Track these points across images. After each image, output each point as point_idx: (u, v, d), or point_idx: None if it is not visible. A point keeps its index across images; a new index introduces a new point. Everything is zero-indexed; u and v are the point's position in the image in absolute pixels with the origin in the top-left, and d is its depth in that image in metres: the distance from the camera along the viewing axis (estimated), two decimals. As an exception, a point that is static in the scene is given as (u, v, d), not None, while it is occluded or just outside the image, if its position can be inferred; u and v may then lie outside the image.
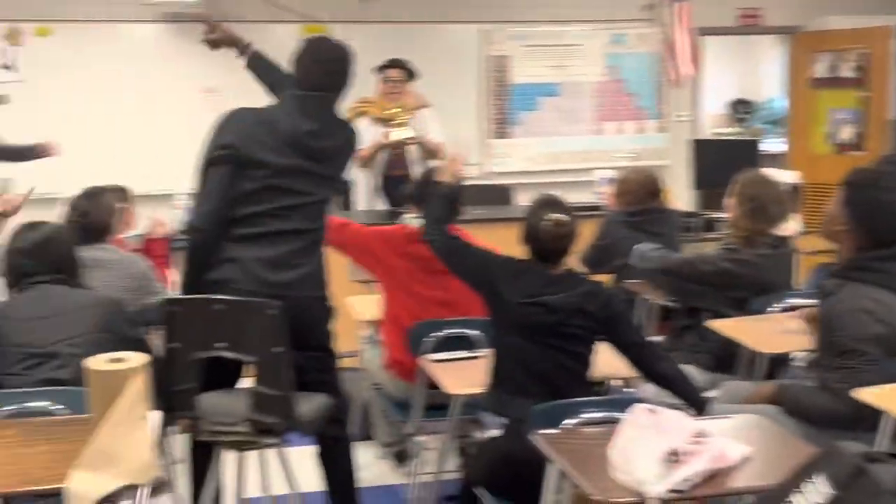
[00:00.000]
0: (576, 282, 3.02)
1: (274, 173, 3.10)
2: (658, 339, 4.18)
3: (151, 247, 5.45)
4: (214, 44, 3.66)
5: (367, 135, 5.99)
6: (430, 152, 6.14)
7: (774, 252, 3.99)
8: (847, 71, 8.17)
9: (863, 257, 2.96)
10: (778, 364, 3.71)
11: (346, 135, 3.31)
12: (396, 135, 6.02)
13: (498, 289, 3.00)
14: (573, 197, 6.80)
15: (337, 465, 3.31)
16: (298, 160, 3.13)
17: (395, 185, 5.74)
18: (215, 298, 2.90)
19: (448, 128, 6.58)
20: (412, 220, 4.38)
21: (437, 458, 3.59)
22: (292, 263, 3.05)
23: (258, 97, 6.35)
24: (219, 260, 3.07)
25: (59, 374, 2.88)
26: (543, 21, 7.82)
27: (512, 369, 2.97)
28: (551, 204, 3.06)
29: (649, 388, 3.60)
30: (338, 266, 5.17)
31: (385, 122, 6.04)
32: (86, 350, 2.84)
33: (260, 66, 3.60)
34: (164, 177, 6.26)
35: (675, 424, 2.35)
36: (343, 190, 3.45)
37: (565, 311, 2.93)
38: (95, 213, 3.78)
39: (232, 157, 3.09)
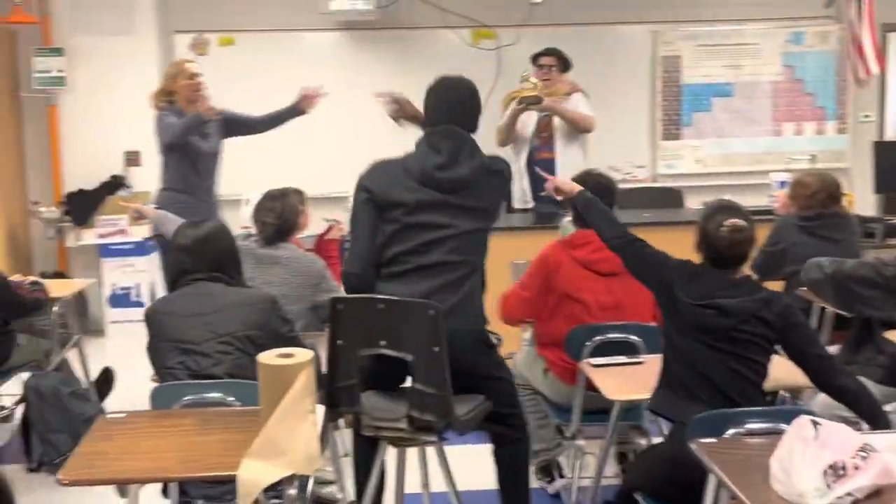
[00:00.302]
0: (753, 287, 2.95)
1: (408, 211, 3.17)
2: (833, 349, 4.02)
3: (325, 247, 5.64)
4: (398, 118, 3.74)
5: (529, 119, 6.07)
6: (573, 122, 6.11)
7: None
8: None
9: None
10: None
11: (481, 162, 3.25)
12: (526, 100, 5.99)
13: (673, 290, 2.96)
14: (746, 200, 6.62)
15: (507, 464, 3.34)
16: (431, 194, 3.18)
17: (546, 169, 5.67)
18: (378, 298, 3.00)
19: (619, 129, 6.57)
20: (569, 224, 4.39)
21: (596, 463, 3.57)
22: (435, 298, 3.02)
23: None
24: None
25: (214, 370, 3.00)
26: (717, 20, 7.64)
27: (682, 372, 2.92)
28: (728, 209, 3.00)
29: (819, 400, 3.49)
30: (500, 267, 5.28)
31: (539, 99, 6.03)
32: (239, 348, 3.00)
33: None
34: (339, 179, 6.46)
35: (839, 437, 2.26)
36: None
37: (740, 315, 2.86)
38: (282, 214, 3.96)
39: (370, 201, 3.21)
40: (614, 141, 6.92)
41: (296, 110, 5.55)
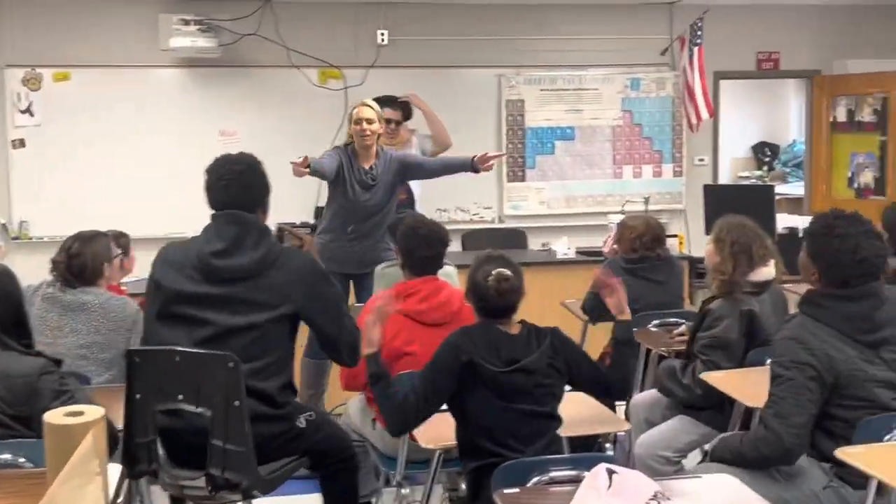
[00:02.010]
0: (536, 336, 2.98)
1: (182, 300, 3.04)
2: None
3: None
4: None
5: None
6: (438, 126, 6.36)
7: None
8: (867, 115, 8.10)
9: (815, 293, 3.04)
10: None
11: (267, 252, 3.09)
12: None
13: (474, 366, 2.87)
14: (588, 242, 6.92)
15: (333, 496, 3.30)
16: (207, 286, 3.04)
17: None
18: (176, 350, 2.90)
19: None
20: (385, 268, 4.38)
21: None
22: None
23: (272, 141, 6.48)
24: None
25: None
26: (559, 65, 7.85)
27: (488, 432, 2.90)
28: (495, 259, 3.03)
29: (641, 441, 3.59)
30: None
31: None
32: (7, 426, 2.75)
33: None
34: (177, 220, 6.33)
35: (632, 485, 2.31)
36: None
37: (540, 370, 2.91)
38: (84, 257, 3.76)
39: (152, 289, 3.11)
40: (462, 181, 6.95)
41: (470, 165, 5.28)
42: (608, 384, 3.14)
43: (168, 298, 3.05)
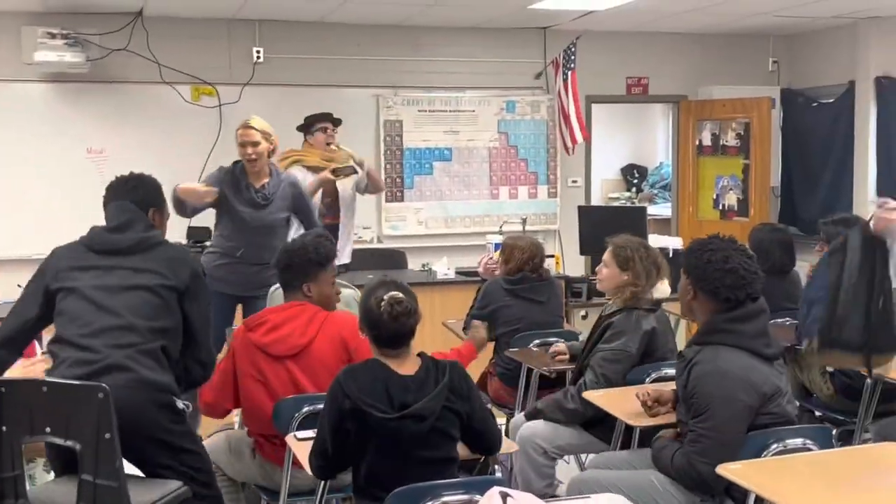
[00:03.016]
0: (431, 374, 2.87)
1: (80, 274, 3.15)
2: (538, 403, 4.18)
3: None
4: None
5: (304, 181, 5.99)
6: (376, 182, 6.27)
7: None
8: (731, 139, 8.44)
9: (717, 319, 3.13)
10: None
11: (150, 238, 3.26)
12: (344, 170, 5.96)
13: (362, 414, 2.76)
14: (467, 261, 6.96)
15: None
16: (100, 259, 3.17)
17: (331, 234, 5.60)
18: (43, 381, 2.78)
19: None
20: (276, 289, 4.27)
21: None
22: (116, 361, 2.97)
23: (141, 159, 6.29)
24: None
25: None
26: (436, 87, 7.89)
27: (378, 480, 2.81)
28: (387, 284, 2.97)
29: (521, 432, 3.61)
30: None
31: (322, 169, 5.91)
32: None
33: None
34: (42, 239, 6.04)
35: (526, 509, 2.31)
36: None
37: (434, 414, 2.80)
38: None
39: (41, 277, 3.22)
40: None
41: None
42: (493, 442, 3.03)
43: (56, 273, 3.15)
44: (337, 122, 6.22)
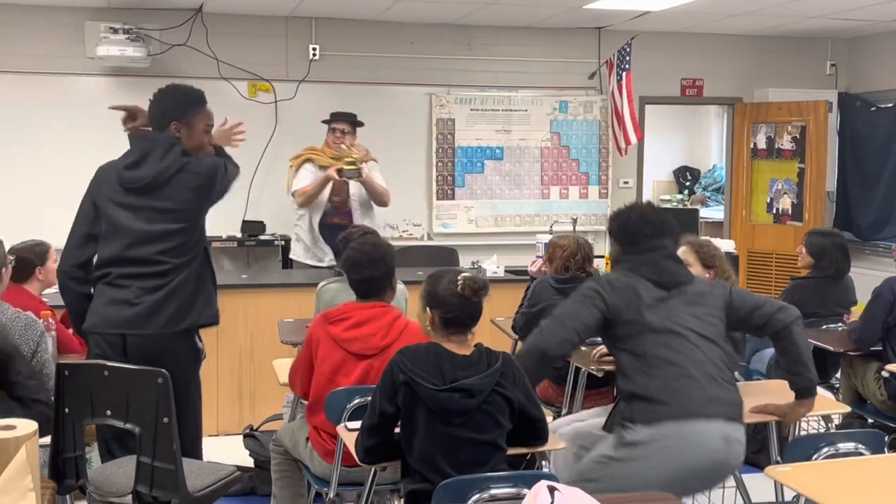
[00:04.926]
0: (487, 359, 2.91)
1: (115, 209, 3.49)
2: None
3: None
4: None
5: (311, 177, 6.11)
6: (377, 196, 6.24)
7: None
8: (786, 142, 8.35)
9: (620, 254, 3.50)
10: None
11: (170, 164, 3.45)
12: (347, 172, 6.04)
13: (413, 385, 2.81)
14: (517, 260, 6.96)
15: None
16: (126, 196, 3.47)
17: (335, 233, 5.69)
18: (105, 364, 2.85)
19: (397, 187, 6.65)
20: (324, 286, 4.32)
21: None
22: (134, 302, 3.36)
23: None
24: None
25: None
26: (489, 86, 7.91)
27: (424, 456, 2.85)
28: (448, 271, 3.02)
29: (558, 466, 3.61)
30: (270, 328, 5.16)
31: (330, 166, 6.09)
32: None
33: None
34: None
35: (572, 503, 2.33)
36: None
37: (484, 393, 2.83)
38: None
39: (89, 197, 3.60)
40: (392, 199, 6.95)
41: None
42: (543, 430, 3.04)
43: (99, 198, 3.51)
44: (357, 124, 6.32)
